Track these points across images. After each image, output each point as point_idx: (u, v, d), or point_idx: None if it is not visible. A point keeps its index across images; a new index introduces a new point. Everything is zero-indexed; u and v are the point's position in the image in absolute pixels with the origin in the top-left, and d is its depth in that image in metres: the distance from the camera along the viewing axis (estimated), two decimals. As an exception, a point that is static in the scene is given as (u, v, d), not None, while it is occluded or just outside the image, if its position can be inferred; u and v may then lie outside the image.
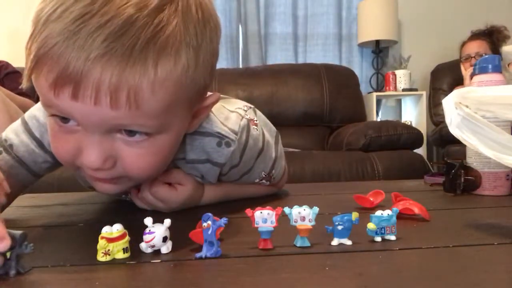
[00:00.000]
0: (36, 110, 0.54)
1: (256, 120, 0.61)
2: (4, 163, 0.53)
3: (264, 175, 0.64)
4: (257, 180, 0.64)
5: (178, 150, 0.52)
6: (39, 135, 0.53)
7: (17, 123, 0.56)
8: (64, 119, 0.42)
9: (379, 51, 2.75)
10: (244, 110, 0.60)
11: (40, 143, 0.53)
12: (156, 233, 0.34)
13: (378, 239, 0.38)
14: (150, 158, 0.44)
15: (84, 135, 0.41)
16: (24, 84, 0.41)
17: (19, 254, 0.31)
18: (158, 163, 0.46)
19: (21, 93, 1.48)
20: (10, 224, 0.50)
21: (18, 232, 0.30)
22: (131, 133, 0.42)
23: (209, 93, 0.51)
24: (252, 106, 0.65)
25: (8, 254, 0.30)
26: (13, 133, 0.55)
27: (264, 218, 0.36)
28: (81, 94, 0.37)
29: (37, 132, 0.53)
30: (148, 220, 0.34)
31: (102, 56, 0.36)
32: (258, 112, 0.67)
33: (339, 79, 2.33)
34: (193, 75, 0.42)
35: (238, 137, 0.55)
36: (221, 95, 0.64)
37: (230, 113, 0.57)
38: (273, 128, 0.70)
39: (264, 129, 0.63)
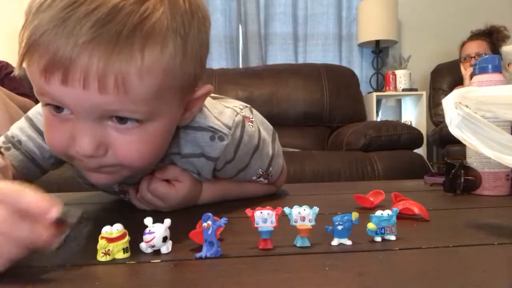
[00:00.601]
0: (40, 108, 0.54)
1: (252, 118, 0.61)
2: (13, 158, 0.54)
3: (261, 172, 0.64)
4: (254, 178, 0.64)
5: (172, 144, 0.52)
6: None
7: (21, 121, 0.57)
8: (58, 108, 0.42)
9: (379, 51, 2.75)
10: (240, 108, 0.60)
11: None
12: (156, 233, 0.34)
13: (378, 239, 0.38)
14: (141, 146, 0.45)
15: (76, 123, 0.42)
16: (16, 72, 0.42)
17: (69, 238, 0.31)
18: (150, 152, 0.46)
19: (21, 93, 1.49)
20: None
21: (76, 217, 0.31)
22: (122, 120, 0.42)
23: None
24: (248, 105, 0.65)
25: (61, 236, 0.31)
26: (19, 130, 0.56)
27: (264, 218, 0.36)
28: (70, 79, 0.38)
29: (42, 127, 0.54)
30: (148, 220, 0.34)
31: (89, 41, 0.37)
32: (255, 111, 0.67)
33: (339, 79, 2.33)
34: (181, 63, 0.43)
35: (232, 132, 0.55)
36: (218, 96, 0.64)
37: (225, 109, 0.58)
38: (270, 126, 0.70)
39: (260, 127, 0.63)
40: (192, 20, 0.44)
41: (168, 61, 0.41)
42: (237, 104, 0.63)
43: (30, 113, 0.56)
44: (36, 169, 0.56)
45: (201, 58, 0.47)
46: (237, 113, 0.57)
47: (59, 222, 0.30)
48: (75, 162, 0.47)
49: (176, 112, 0.48)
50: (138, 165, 0.47)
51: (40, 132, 0.54)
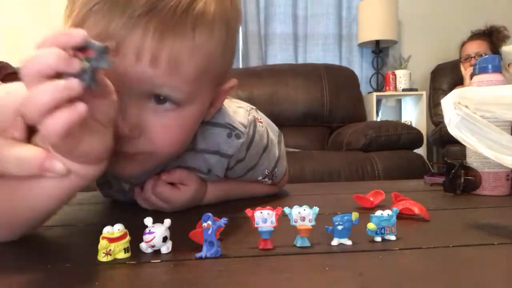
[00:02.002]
0: None
1: (260, 119, 0.62)
2: None
3: (267, 173, 0.64)
4: (260, 178, 0.64)
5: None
6: None
7: None
8: None
9: (379, 51, 2.75)
10: (247, 109, 0.61)
11: None
12: (156, 233, 0.34)
13: (378, 239, 0.38)
14: (175, 131, 0.45)
15: None
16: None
17: (95, 68, 0.29)
18: (181, 138, 0.47)
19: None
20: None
21: (100, 44, 0.29)
22: (161, 101, 0.43)
23: None
24: (254, 107, 0.66)
25: (85, 63, 0.29)
26: None
27: (264, 218, 0.36)
28: (123, 51, 0.38)
29: None
30: (148, 220, 0.34)
31: (145, 14, 0.37)
32: (260, 113, 0.67)
33: (339, 79, 2.33)
34: (223, 50, 0.44)
35: (247, 131, 0.56)
36: None
37: (238, 108, 0.59)
38: (276, 128, 0.71)
39: (268, 128, 0.64)
40: (232, 12, 0.45)
41: (214, 45, 0.42)
42: (244, 105, 0.64)
43: None
44: None
45: (234, 50, 0.49)
46: (249, 113, 0.58)
47: (82, 49, 0.29)
48: None
49: (207, 100, 0.48)
50: (168, 151, 0.47)
51: None
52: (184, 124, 0.46)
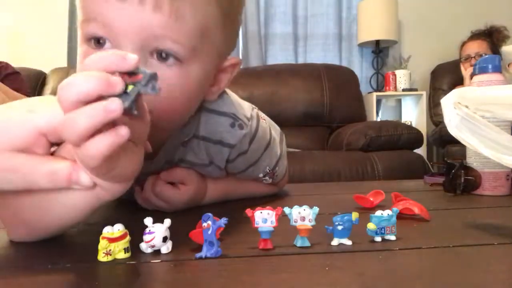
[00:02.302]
0: None
1: (263, 117, 0.63)
2: None
3: (268, 171, 0.64)
4: (260, 175, 0.64)
5: (192, 126, 0.53)
6: None
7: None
8: (99, 44, 0.42)
9: (379, 51, 2.75)
10: (251, 106, 0.62)
11: None
12: (156, 233, 0.34)
13: (378, 239, 0.38)
14: (177, 91, 0.44)
15: None
16: None
17: (140, 93, 0.29)
18: (183, 101, 0.46)
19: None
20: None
21: (150, 71, 0.29)
22: (164, 58, 0.42)
23: None
24: (256, 107, 0.66)
25: (130, 88, 0.28)
26: None
27: (264, 218, 0.36)
28: None
29: None
30: (148, 220, 0.34)
31: None
32: (262, 113, 0.68)
33: (339, 79, 2.33)
34: (223, 18, 0.45)
35: (250, 123, 0.56)
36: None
37: (243, 103, 0.59)
38: (278, 128, 0.71)
39: (270, 126, 0.65)
40: None
41: (215, 8, 0.44)
42: (247, 103, 0.64)
43: None
44: None
45: (236, 29, 0.50)
46: (253, 108, 0.59)
47: (131, 74, 0.29)
48: None
49: (210, 68, 0.48)
50: (170, 113, 0.45)
51: None
52: (186, 85, 0.45)
